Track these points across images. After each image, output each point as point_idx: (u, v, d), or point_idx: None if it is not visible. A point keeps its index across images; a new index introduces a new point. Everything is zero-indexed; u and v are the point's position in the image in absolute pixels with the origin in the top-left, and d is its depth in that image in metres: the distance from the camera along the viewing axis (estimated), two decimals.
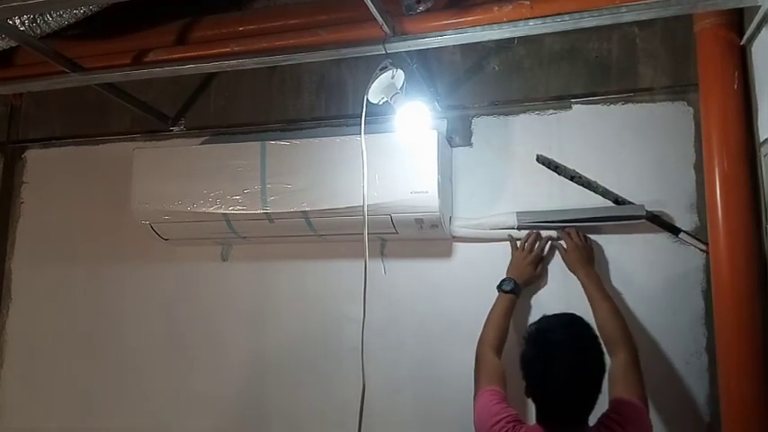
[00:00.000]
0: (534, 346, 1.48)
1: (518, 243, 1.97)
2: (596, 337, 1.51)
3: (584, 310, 1.73)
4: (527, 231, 1.96)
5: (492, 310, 1.86)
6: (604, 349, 1.51)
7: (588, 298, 1.81)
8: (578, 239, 1.89)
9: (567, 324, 1.50)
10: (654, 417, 1.82)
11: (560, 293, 1.94)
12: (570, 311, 1.60)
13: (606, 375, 1.55)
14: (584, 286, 1.83)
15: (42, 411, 2.38)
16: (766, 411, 1.58)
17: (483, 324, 1.83)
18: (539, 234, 1.96)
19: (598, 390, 1.47)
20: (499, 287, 1.89)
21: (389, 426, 2.02)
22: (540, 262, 1.96)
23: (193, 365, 2.25)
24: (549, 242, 1.96)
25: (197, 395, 2.23)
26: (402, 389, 2.03)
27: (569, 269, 1.90)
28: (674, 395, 1.82)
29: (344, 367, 2.06)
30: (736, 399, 1.62)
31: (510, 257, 1.96)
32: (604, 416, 1.51)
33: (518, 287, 1.88)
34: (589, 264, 1.87)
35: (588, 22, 1.58)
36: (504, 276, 1.91)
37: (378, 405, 1.94)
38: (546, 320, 1.52)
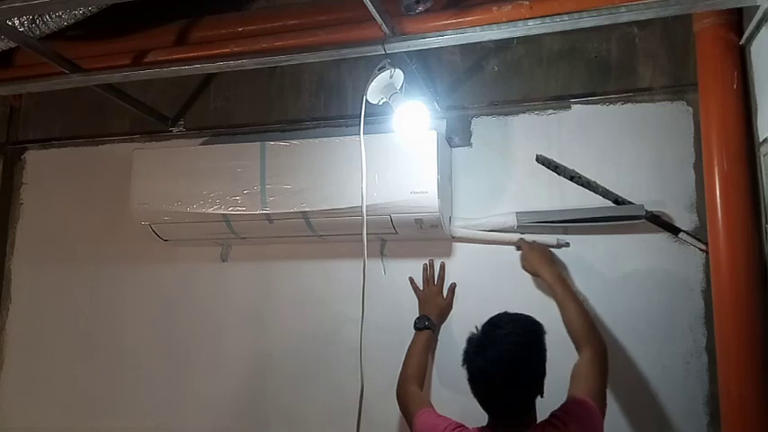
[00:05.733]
0: (479, 334, 1.50)
1: (415, 283, 2.06)
2: (541, 339, 1.50)
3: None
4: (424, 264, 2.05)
5: (410, 347, 1.91)
6: (548, 357, 1.50)
7: (554, 297, 1.80)
8: (528, 241, 1.91)
9: (513, 321, 1.51)
10: (654, 416, 1.83)
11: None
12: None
13: (570, 375, 1.60)
14: (549, 286, 1.83)
15: (42, 411, 2.38)
16: (766, 411, 1.58)
17: (402, 362, 1.87)
18: (431, 263, 2.05)
19: (535, 387, 1.47)
20: (414, 326, 1.95)
21: (389, 425, 2.01)
22: (447, 289, 2.03)
23: (193, 365, 2.25)
24: (441, 264, 2.04)
25: (197, 395, 2.23)
26: None
27: (531, 273, 1.91)
28: (674, 395, 1.82)
29: (345, 367, 2.05)
30: (735, 399, 1.62)
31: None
32: (551, 413, 1.52)
33: (431, 322, 1.94)
34: (551, 263, 1.88)
35: (587, 22, 1.58)
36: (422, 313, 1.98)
37: (378, 404, 1.94)
38: (498, 316, 1.53)
